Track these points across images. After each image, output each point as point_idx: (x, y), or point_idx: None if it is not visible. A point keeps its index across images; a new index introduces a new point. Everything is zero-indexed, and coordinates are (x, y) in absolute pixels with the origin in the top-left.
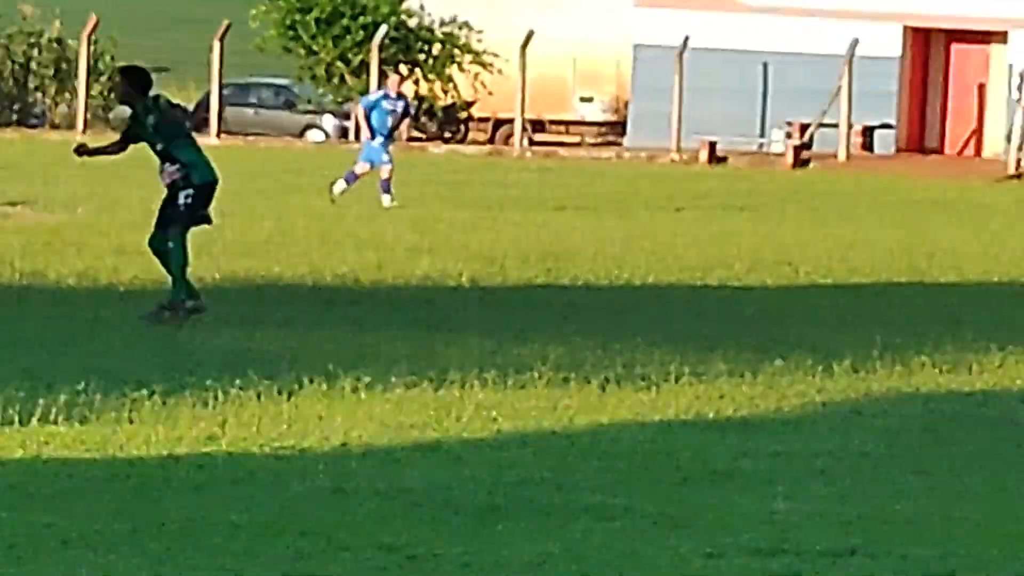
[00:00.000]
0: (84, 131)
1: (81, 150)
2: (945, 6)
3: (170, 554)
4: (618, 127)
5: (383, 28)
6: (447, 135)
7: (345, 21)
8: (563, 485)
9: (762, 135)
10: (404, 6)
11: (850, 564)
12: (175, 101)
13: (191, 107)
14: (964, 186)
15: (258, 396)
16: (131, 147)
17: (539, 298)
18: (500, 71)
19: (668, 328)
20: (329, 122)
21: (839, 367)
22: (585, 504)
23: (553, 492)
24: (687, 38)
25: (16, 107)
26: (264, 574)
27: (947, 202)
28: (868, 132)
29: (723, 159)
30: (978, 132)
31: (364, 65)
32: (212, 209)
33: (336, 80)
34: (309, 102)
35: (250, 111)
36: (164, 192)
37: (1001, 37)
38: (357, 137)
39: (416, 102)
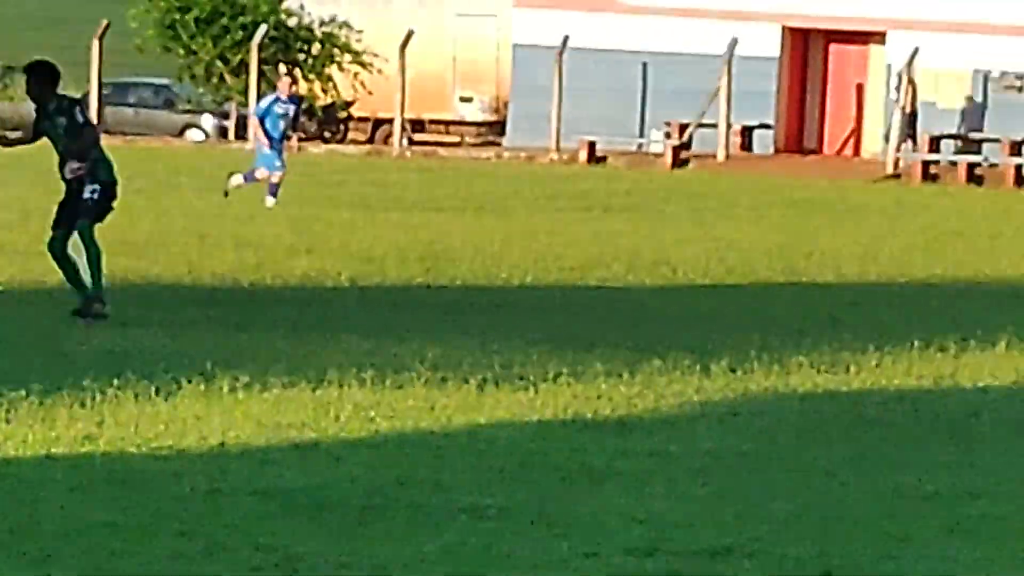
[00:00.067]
0: None
1: (2, 141)
2: (824, 7)
3: (47, 555)
4: (498, 127)
5: (262, 28)
6: (327, 135)
7: (224, 21)
8: (441, 485)
9: (641, 135)
10: (283, 6)
11: (726, 563)
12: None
13: None
14: (842, 186)
15: (136, 396)
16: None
17: (418, 298)
18: (380, 71)
19: (546, 328)
20: (208, 121)
21: (717, 367)
22: (462, 504)
23: (430, 492)
24: (566, 38)
25: None
26: (141, 574)
27: (825, 202)
28: (747, 132)
29: (602, 159)
30: (856, 132)
31: (244, 65)
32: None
33: (215, 80)
34: (189, 101)
35: (130, 110)
36: (62, 189)
37: (879, 38)
38: (241, 138)
39: None
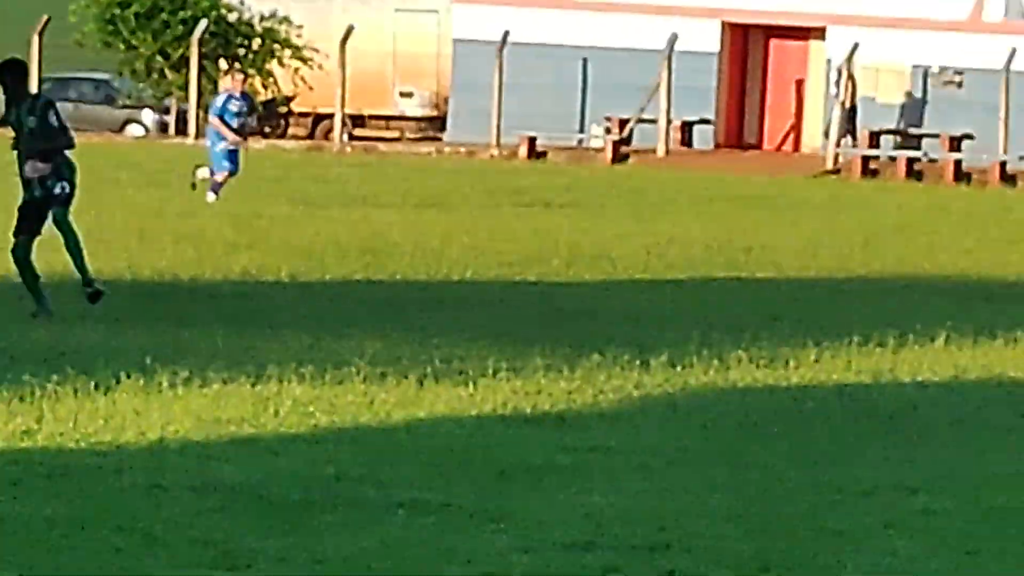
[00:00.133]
0: None
1: None
2: (764, 2)
3: None
4: (438, 122)
5: (203, 23)
6: (267, 130)
7: (164, 16)
8: (380, 480)
9: (581, 130)
10: (224, 1)
11: (665, 558)
12: None
13: None
14: (782, 181)
15: (75, 391)
16: None
17: (357, 293)
18: (320, 66)
19: (486, 323)
20: (149, 117)
21: (656, 362)
22: (402, 499)
23: (370, 487)
24: (507, 33)
25: None
26: (80, 569)
27: (765, 197)
28: (687, 127)
29: (543, 154)
30: (796, 127)
31: (184, 60)
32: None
33: (156, 75)
34: (129, 97)
35: (70, 105)
36: (21, 190)
37: (819, 33)
38: (181, 133)
39: None
